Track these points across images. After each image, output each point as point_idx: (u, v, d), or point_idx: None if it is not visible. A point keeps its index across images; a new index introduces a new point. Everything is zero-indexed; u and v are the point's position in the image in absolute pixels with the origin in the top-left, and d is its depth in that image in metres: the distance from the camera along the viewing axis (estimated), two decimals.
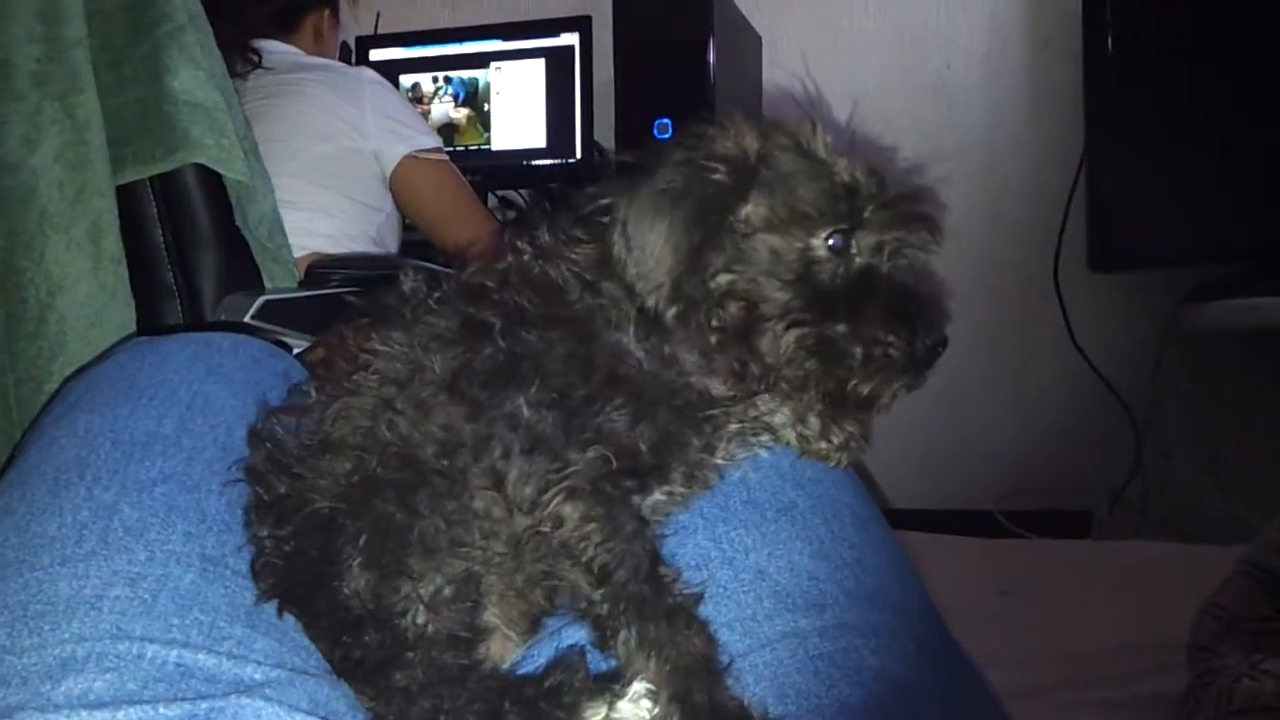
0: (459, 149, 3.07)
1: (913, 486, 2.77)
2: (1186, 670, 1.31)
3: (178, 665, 0.69)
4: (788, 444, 0.87)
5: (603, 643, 0.72)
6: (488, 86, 3.08)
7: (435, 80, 3.13)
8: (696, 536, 0.81)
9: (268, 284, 1.57)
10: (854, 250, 0.80)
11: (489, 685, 0.70)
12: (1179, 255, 2.48)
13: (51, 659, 0.68)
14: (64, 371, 1.31)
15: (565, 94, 3.01)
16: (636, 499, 0.75)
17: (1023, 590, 1.93)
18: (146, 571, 0.74)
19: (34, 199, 1.34)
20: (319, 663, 0.74)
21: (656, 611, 0.70)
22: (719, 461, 0.81)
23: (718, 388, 0.79)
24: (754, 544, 0.80)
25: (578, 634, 0.75)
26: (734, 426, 0.81)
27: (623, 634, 0.70)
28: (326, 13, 2.45)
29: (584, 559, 0.71)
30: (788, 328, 0.77)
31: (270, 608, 0.75)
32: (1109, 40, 2.43)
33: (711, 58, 2.46)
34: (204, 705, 0.67)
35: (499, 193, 3.17)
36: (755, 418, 0.81)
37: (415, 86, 3.13)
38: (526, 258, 0.82)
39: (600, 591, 0.71)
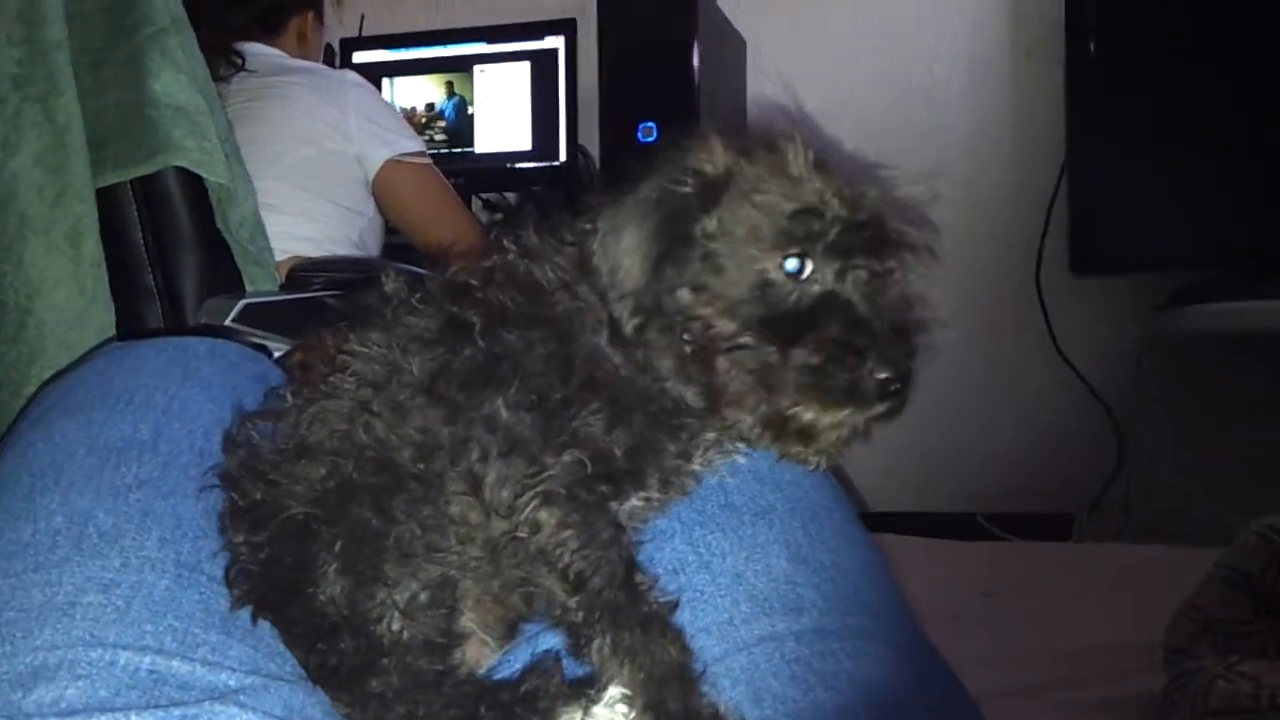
0: (442, 152, 3.07)
1: (896, 489, 2.78)
2: (1163, 672, 1.31)
3: (151, 672, 0.69)
4: (765, 447, 0.86)
5: (577, 650, 0.71)
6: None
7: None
8: (674, 541, 0.81)
9: (249, 287, 1.57)
10: (813, 275, 0.77)
11: (464, 691, 0.70)
12: (1161, 259, 2.50)
13: (23, 667, 0.68)
14: (43, 375, 1.30)
15: (550, 97, 3.02)
16: (613, 505, 0.75)
17: (1005, 592, 1.94)
18: (120, 578, 0.74)
19: (13, 202, 1.34)
20: (294, 669, 0.74)
21: (631, 619, 0.70)
22: (695, 468, 0.81)
23: (692, 397, 0.79)
24: (731, 548, 0.80)
25: (554, 639, 0.75)
26: (710, 435, 0.81)
27: (597, 642, 0.70)
28: (310, 15, 2.44)
29: (559, 565, 0.71)
30: (730, 349, 0.76)
31: (245, 614, 0.75)
32: (1091, 46, 2.45)
33: (696, 61, 2.47)
34: (177, 712, 0.66)
35: (483, 195, 3.17)
36: (730, 426, 0.80)
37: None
38: (512, 256, 0.82)
39: (575, 599, 0.71)
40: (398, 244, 2.41)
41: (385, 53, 3.19)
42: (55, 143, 1.36)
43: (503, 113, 3.07)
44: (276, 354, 1.23)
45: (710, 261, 0.77)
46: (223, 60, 2.13)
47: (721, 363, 0.76)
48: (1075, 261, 2.55)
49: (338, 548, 0.70)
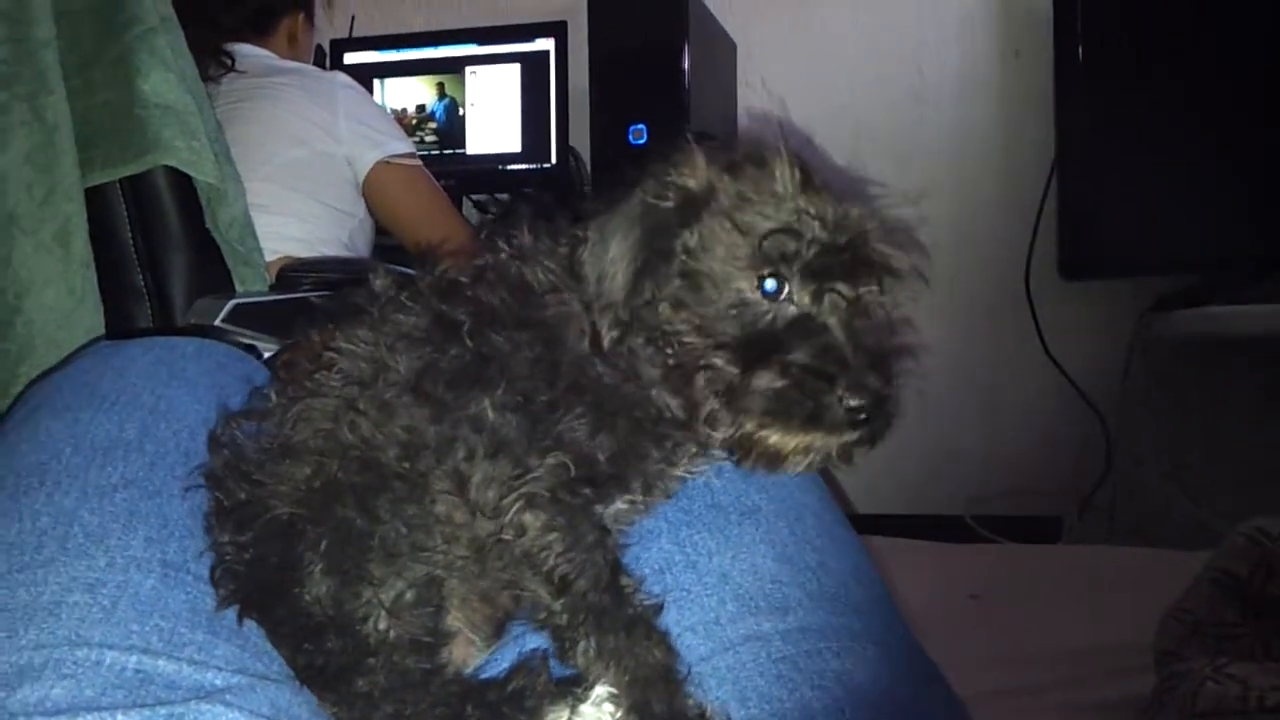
0: (433, 153, 3.07)
1: (884, 491, 2.78)
2: (1153, 674, 1.32)
3: (137, 671, 0.69)
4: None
5: (562, 654, 0.72)
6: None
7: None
8: (661, 540, 0.81)
9: (238, 287, 1.57)
10: (789, 296, 0.76)
11: (451, 690, 0.70)
12: (1150, 263, 2.51)
13: (8, 666, 0.68)
14: (31, 375, 1.30)
15: (540, 99, 3.01)
16: (599, 508, 0.75)
17: (992, 594, 1.94)
18: (106, 578, 0.74)
19: (2, 201, 1.33)
20: (281, 668, 0.74)
21: (616, 622, 0.70)
22: (679, 474, 0.81)
23: (676, 409, 0.78)
24: (717, 547, 0.81)
25: (541, 638, 0.75)
26: (693, 446, 0.80)
27: (582, 644, 0.70)
28: (301, 16, 2.44)
29: (544, 569, 0.71)
30: (700, 368, 0.75)
31: (232, 613, 0.75)
32: (1079, 49, 2.46)
33: (686, 64, 2.47)
34: (163, 711, 0.66)
35: (473, 197, 3.17)
36: (705, 441, 0.79)
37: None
38: (504, 256, 0.82)
39: (560, 602, 0.71)
40: (388, 245, 2.41)
41: (376, 54, 3.19)
42: (44, 142, 1.36)
43: (493, 114, 3.07)
44: (266, 354, 1.23)
45: (690, 278, 0.77)
46: (212, 61, 2.13)
47: (699, 379, 0.75)
48: (1064, 265, 2.56)
49: (323, 547, 0.70)
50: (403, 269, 0.86)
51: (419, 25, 3.32)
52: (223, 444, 0.79)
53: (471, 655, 0.78)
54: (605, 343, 0.77)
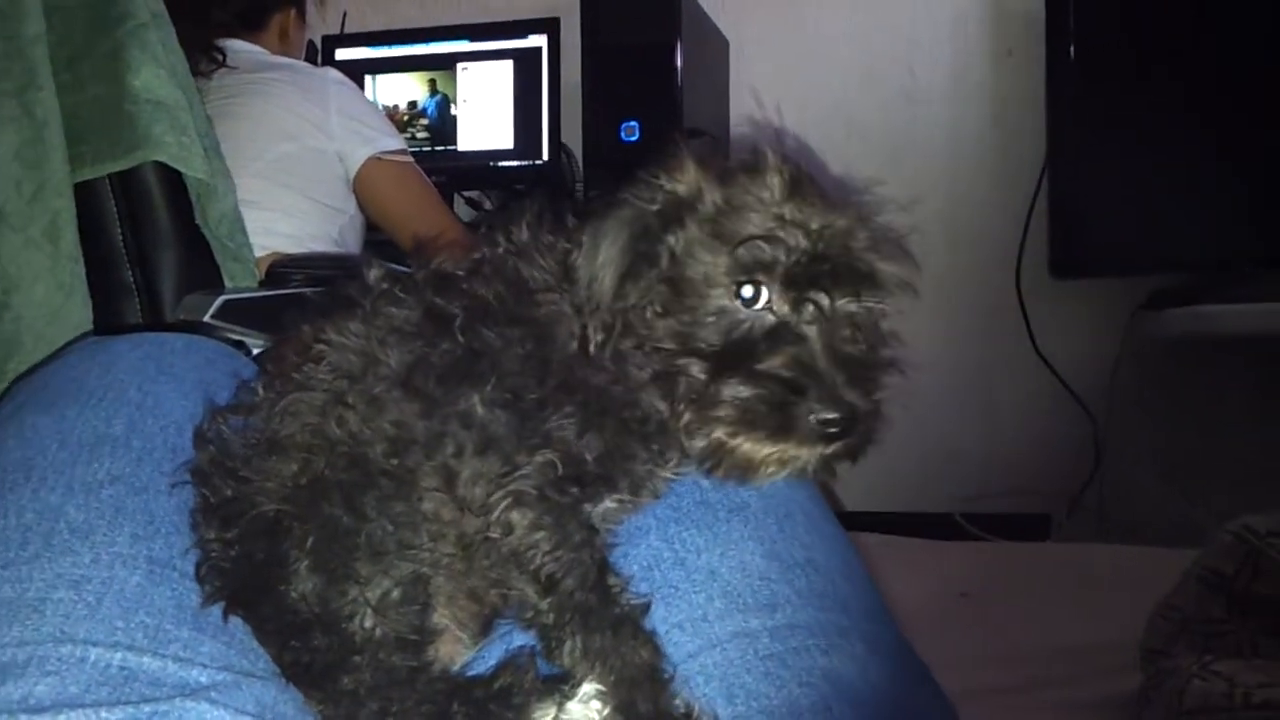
0: (425, 150, 3.06)
1: (875, 489, 2.78)
2: (1140, 671, 1.32)
3: (122, 668, 0.68)
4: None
5: (549, 652, 0.71)
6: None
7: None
8: (649, 537, 0.81)
9: (228, 283, 1.57)
10: (768, 305, 0.76)
11: (437, 687, 0.70)
12: (1140, 262, 2.52)
13: None
14: (19, 370, 1.29)
15: (533, 95, 3.01)
16: (587, 507, 0.75)
17: (982, 592, 1.95)
18: (91, 574, 0.73)
19: None
20: (267, 665, 0.73)
21: (602, 621, 0.70)
22: (667, 475, 0.81)
23: (663, 411, 0.78)
24: (706, 544, 0.81)
25: (529, 636, 0.75)
26: (679, 452, 0.80)
27: (568, 644, 0.70)
28: (292, 12, 2.44)
29: (531, 567, 0.71)
30: (678, 375, 0.75)
31: (218, 610, 0.74)
32: (1071, 48, 2.46)
33: (679, 61, 2.47)
34: (148, 708, 0.66)
35: (465, 194, 3.17)
36: (686, 446, 0.79)
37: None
38: (501, 251, 0.82)
39: (546, 601, 0.71)
40: (378, 242, 2.41)
41: (368, 50, 3.18)
42: (33, 137, 1.36)
43: (485, 111, 3.07)
44: (255, 350, 1.23)
45: (673, 284, 0.77)
46: (203, 56, 2.12)
47: (679, 385, 0.76)
48: (1055, 265, 2.56)
49: (309, 545, 0.70)
50: (394, 266, 0.86)
51: (411, 21, 3.31)
52: (208, 439, 0.79)
53: (458, 652, 0.78)
54: (591, 346, 0.77)
